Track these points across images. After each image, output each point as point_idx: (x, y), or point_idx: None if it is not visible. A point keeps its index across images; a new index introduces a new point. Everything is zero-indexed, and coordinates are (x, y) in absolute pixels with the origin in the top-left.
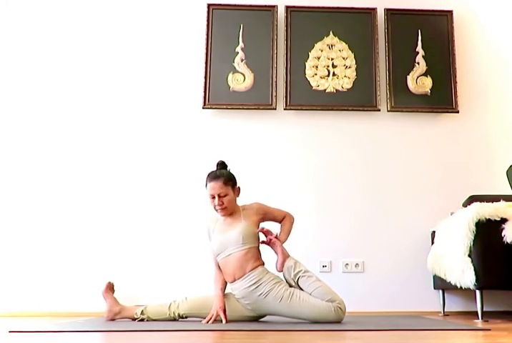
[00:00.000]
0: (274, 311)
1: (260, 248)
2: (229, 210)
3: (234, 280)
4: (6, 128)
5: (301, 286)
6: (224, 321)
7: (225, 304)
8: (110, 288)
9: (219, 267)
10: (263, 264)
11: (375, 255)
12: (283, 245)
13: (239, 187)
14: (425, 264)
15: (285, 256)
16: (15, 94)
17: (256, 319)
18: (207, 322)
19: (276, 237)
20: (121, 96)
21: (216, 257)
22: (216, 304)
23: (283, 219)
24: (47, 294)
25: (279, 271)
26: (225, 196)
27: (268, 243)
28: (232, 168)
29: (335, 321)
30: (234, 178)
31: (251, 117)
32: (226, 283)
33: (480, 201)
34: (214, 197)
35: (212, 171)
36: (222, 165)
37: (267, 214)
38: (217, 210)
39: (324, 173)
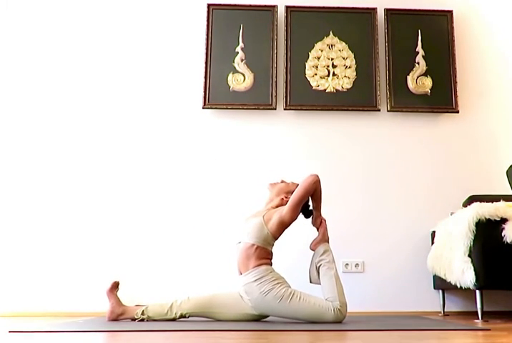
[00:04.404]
0: (273, 310)
1: (273, 250)
2: (272, 191)
3: (241, 274)
4: (7, 129)
5: (319, 273)
6: None
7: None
8: (115, 287)
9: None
10: (269, 264)
11: (375, 255)
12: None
13: (283, 198)
14: (425, 264)
15: (324, 239)
16: (15, 95)
17: (258, 318)
18: None
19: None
20: (121, 97)
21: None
22: None
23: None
24: (47, 294)
25: (311, 249)
26: (279, 184)
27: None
28: (231, 168)
29: (333, 321)
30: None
31: (251, 117)
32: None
33: (480, 201)
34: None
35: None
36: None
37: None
38: None
39: (324, 173)
